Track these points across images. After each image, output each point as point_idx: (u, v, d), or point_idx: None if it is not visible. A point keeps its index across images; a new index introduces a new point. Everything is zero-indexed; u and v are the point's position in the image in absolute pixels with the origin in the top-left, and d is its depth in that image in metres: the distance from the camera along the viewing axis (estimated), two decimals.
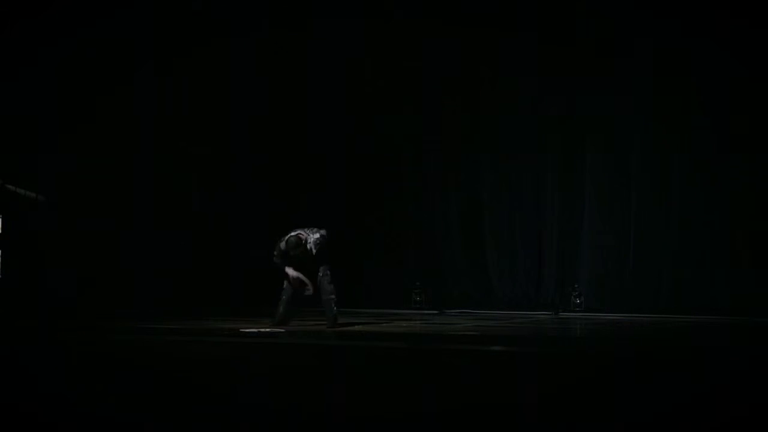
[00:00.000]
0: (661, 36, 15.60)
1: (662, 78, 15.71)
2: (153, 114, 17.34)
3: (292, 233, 11.95)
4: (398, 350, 10.17)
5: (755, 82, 15.03)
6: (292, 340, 11.21)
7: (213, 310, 15.43)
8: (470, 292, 16.85)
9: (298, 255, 11.88)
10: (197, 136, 17.68)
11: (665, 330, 13.05)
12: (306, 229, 12.04)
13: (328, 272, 11.95)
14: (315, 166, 17.79)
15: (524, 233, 16.67)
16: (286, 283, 12.11)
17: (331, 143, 17.73)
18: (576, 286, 16.07)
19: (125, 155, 17.27)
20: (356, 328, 12.41)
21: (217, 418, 6.38)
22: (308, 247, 11.87)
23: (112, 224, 17.03)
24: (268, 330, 11.95)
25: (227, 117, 17.88)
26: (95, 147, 16.98)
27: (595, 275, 16.14)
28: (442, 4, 16.75)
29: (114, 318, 13.94)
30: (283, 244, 11.91)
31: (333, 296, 11.96)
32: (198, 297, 16.79)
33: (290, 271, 11.96)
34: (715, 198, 15.44)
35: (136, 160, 17.37)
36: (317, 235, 11.94)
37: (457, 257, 17.09)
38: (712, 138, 15.43)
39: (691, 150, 15.64)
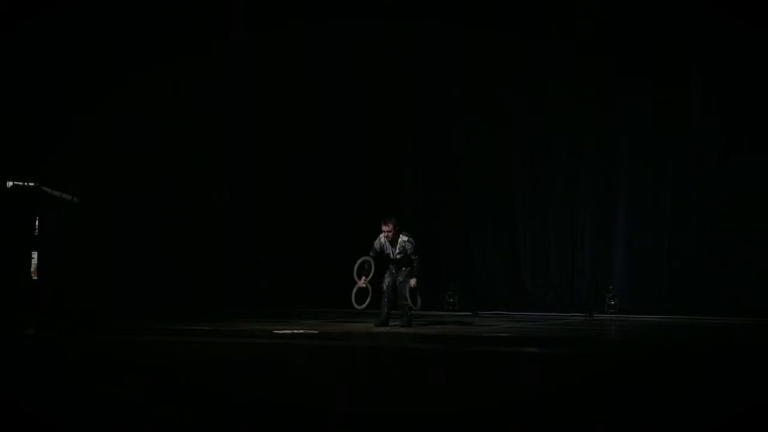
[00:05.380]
0: (696, 41, 15.54)
1: (698, 80, 15.65)
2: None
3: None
4: (432, 352, 10.21)
5: None
6: (329, 341, 11.25)
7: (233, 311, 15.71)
8: (504, 293, 16.83)
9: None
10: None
11: (695, 331, 12.99)
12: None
13: (408, 282, 12.54)
14: (338, 166, 17.95)
15: (558, 235, 16.64)
16: (388, 282, 12.53)
17: (365, 147, 17.83)
18: (610, 287, 16.01)
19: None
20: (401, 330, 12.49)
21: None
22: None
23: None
24: (301, 331, 12.05)
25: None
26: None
27: (630, 277, 16.07)
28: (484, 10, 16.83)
29: (146, 318, 14.08)
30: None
31: (407, 302, 12.56)
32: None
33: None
34: (751, 199, 15.35)
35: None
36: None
37: (491, 259, 17.07)
38: (749, 138, 15.36)
39: (727, 151, 15.57)
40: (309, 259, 17.67)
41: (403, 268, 12.56)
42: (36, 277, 16.63)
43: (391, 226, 12.57)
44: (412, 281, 12.50)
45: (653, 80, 15.97)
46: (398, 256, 12.59)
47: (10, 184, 16.27)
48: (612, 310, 15.76)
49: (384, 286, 12.66)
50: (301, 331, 12.09)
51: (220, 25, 17.55)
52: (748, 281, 15.24)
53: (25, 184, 16.45)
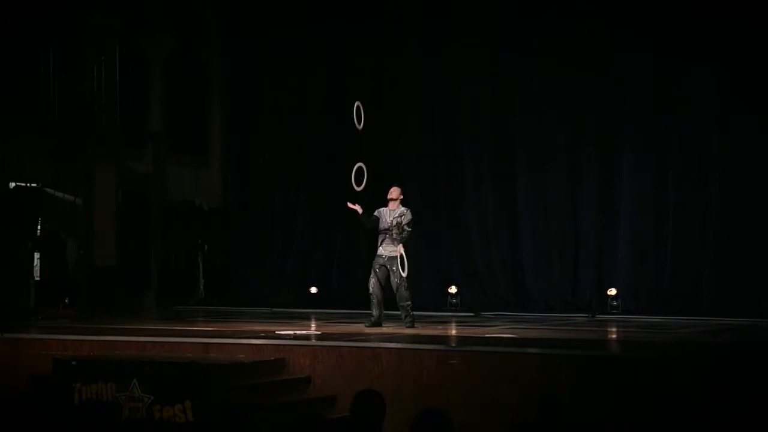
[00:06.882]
0: (702, 34, 15.51)
1: (702, 77, 15.62)
2: None
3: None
4: (432, 352, 10.26)
5: None
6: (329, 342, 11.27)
7: None
8: (506, 294, 16.77)
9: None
10: None
11: (699, 333, 13.03)
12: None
13: (406, 281, 12.53)
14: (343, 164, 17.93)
15: (561, 235, 16.55)
16: (373, 283, 12.49)
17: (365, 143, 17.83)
18: (613, 288, 15.93)
19: None
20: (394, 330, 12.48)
21: None
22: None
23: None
24: (303, 333, 12.13)
25: None
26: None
27: (633, 277, 16.01)
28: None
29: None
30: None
31: (409, 303, 12.61)
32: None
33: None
34: (755, 199, 15.32)
35: None
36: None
37: (494, 259, 16.99)
38: (754, 138, 15.33)
39: (730, 150, 15.53)
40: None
41: (394, 268, 12.49)
42: (38, 278, 16.61)
43: (396, 192, 12.69)
44: (400, 248, 12.46)
45: (653, 79, 15.94)
46: (390, 222, 12.54)
47: (12, 185, 16.25)
48: (615, 311, 15.69)
49: (370, 287, 12.64)
50: (303, 332, 12.16)
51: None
52: (753, 281, 15.20)
53: (28, 185, 16.42)
